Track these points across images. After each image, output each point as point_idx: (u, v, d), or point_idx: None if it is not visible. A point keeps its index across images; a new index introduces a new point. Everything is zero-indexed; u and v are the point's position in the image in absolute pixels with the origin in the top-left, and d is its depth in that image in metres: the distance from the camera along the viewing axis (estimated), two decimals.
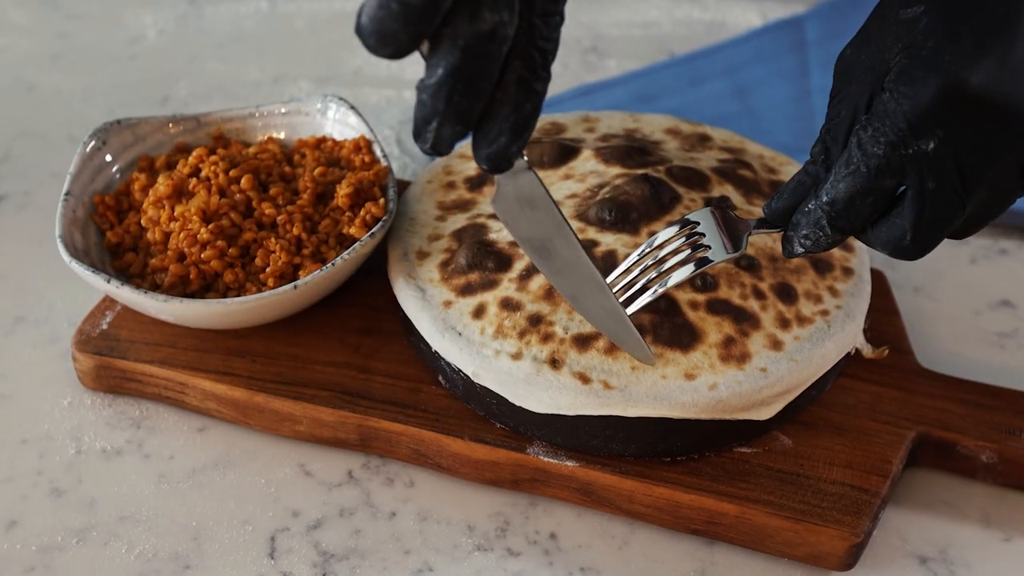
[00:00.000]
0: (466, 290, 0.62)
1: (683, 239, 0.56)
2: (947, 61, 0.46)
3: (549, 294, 0.60)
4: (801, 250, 0.52)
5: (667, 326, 0.58)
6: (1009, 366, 0.70)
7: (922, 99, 0.46)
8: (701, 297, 0.60)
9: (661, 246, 0.56)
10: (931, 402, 0.63)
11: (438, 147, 0.46)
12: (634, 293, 0.56)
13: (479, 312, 0.61)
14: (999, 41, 0.46)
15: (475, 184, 0.70)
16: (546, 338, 0.58)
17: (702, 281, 0.60)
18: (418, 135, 0.46)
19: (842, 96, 0.51)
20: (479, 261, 0.62)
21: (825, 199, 0.50)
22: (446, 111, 0.44)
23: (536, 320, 0.59)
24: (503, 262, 0.62)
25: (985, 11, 0.46)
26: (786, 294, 0.61)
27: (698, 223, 0.56)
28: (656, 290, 0.55)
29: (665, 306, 0.59)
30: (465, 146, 0.73)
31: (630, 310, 0.56)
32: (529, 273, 0.61)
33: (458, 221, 0.67)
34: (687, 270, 0.55)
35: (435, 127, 0.45)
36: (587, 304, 0.56)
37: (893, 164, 0.47)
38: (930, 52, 0.46)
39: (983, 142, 0.46)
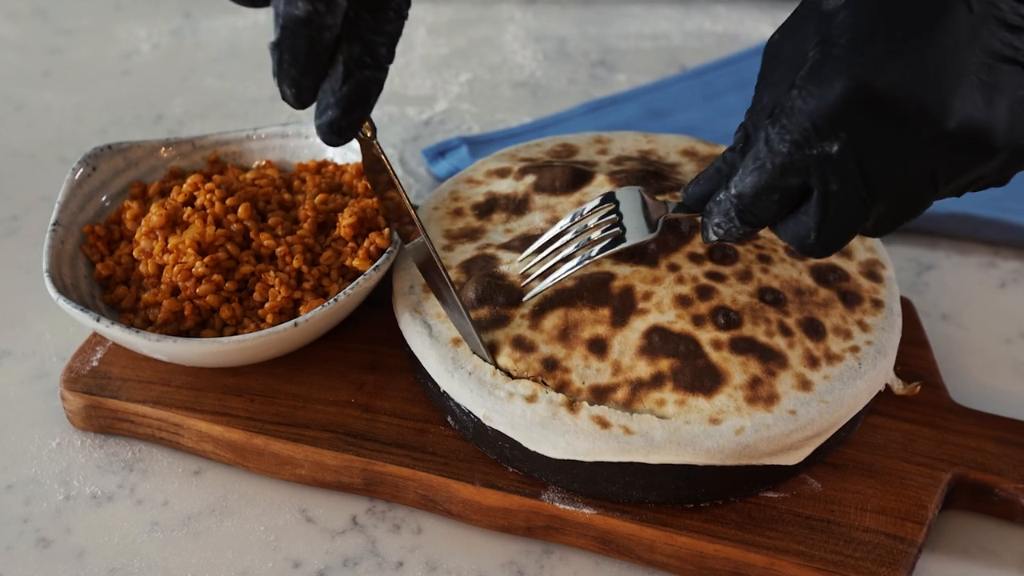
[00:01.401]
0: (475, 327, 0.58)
1: (601, 216, 0.58)
2: (855, 62, 0.44)
3: (564, 335, 0.57)
4: (715, 237, 0.51)
5: (688, 370, 0.55)
6: None
7: (827, 100, 0.44)
8: (724, 336, 0.57)
9: (582, 219, 0.58)
10: (966, 441, 0.60)
11: (285, 100, 0.51)
12: (553, 265, 0.58)
13: (490, 351, 0.57)
14: (913, 43, 0.43)
15: (483, 211, 0.66)
16: (562, 386, 0.55)
17: (725, 319, 0.57)
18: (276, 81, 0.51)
19: (766, 83, 0.49)
20: (489, 295, 0.59)
21: (733, 191, 0.49)
22: (280, 74, 0.50)
23: (551, 364, 0.56)
24: (514, 297, 0.59)
25: (905, 9, 0.44)
26: (814, 330, 0.58)
27: (619, 202, 0.58)
28: (583, 261, 0.57)
29: (685, 348, 0.56)
30: (472, 171, 0.70)
31: (551, 279, 0.58)
32: (542, 310, 0.58)
33: (466, 251, 0.63)
34: (600, 248, 0.56)
35: (278, 83, 0.50)
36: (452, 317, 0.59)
37: (797, 163, 0.46)
38: (841, 50, 0.44)
39: (889, 147, 0.44)
